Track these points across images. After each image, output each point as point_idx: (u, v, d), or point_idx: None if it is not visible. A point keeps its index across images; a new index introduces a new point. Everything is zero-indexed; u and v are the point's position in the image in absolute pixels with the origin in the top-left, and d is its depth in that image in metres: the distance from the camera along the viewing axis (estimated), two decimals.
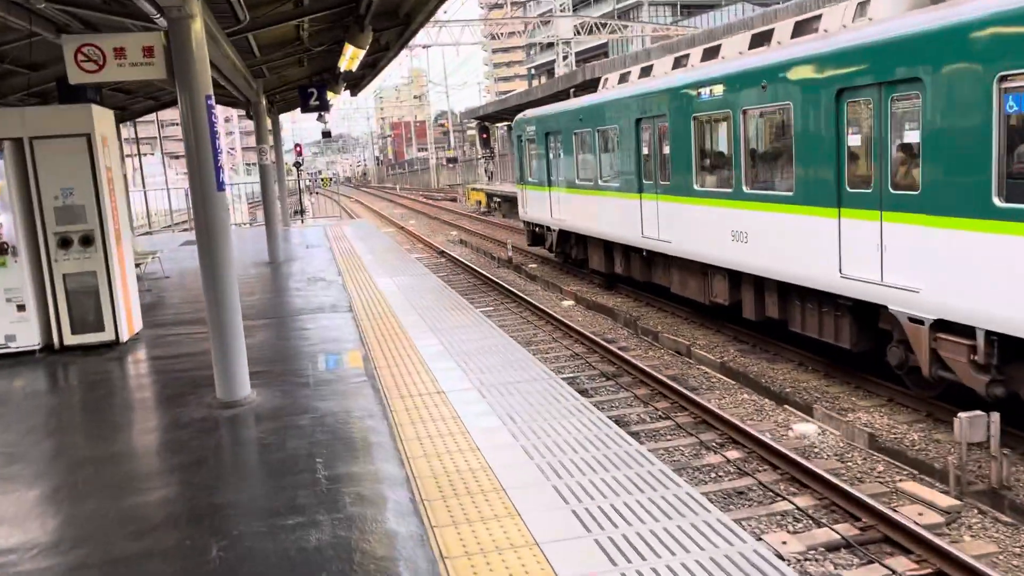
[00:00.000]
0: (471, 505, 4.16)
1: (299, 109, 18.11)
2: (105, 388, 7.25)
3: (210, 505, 4.43)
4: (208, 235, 6.11)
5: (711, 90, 11.67)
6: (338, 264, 15.32)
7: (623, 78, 16.13)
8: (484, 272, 20.73)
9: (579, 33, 42.21)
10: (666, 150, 13.24)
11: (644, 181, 14.24)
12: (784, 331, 11.38)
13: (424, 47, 40.86)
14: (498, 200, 41.42)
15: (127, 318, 8.91)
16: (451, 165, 67.80)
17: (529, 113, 20.79)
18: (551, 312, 15.27)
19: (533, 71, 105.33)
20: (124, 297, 8.84)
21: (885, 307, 8.68)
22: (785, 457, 7.87)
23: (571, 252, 19.17)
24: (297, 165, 36.45)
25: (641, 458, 4.76)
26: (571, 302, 17.02)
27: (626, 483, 4.36)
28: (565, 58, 43.22)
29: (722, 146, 11.92)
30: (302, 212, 33.32)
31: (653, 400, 10.31)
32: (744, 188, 11.06)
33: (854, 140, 8.95)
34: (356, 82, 20.79)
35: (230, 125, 48.17)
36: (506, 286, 18.40)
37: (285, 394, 6.54)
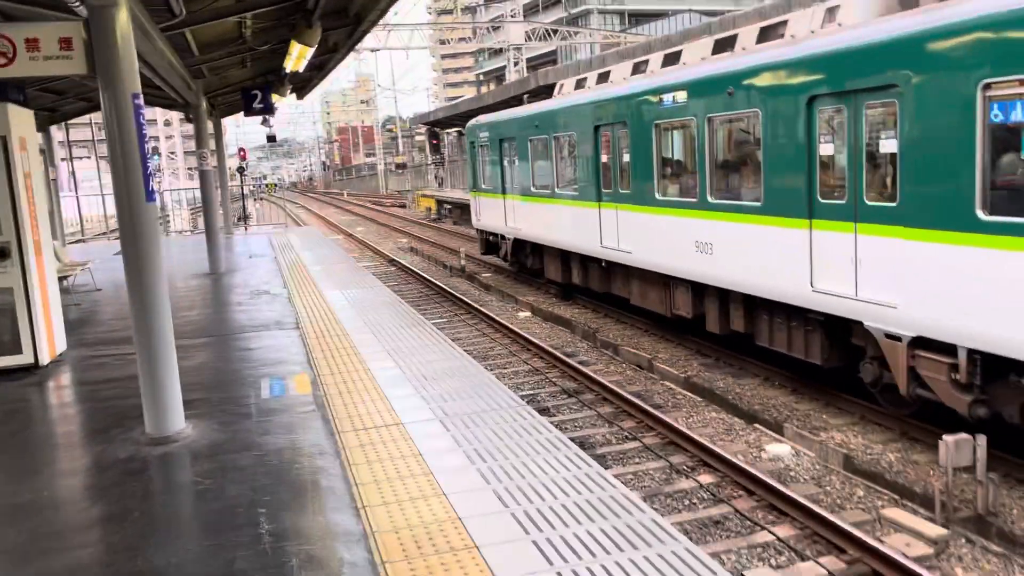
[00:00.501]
0: (440, 570, 3.60)
1: (242, 112, 17.30)
2: (19, 421, 6.48)
3: (134, 572, 3.79)
4: (135, 251, 5.42)
5: (674, 96, 11.30)
6: (284, 275, 14.55)
7: (579, 84, 15.72)
8: (436, 282, 20.13)
9: (530, 39, 41.87)
10: (626, 158, 12.78)
11: (603, 190, 13.78)
12: (749, 344, 11.05)
13: (372, 51, 40.03)
14: (448, 206, 40.83)
15: (48, 339, 8.10)
16: (400, 171, 66.91)
17: (483, 119, 20.26)
18: (507, 324, 14.76)
19: (482, 77, 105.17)
20: (45, 315, 8.03)
21: (859, 323, 8.36)
22: (761, 482, 7.47)
23: (526, 261, 18.64)
24: (240, 170, 35.31)
25: (630, 505, 4.25)
26: (527, 313, 16.54)
27: (616, 537, 3.85)
28: (516, 64, 42.79)
29: (686, 154, 11.55)
30: (246, 219, 32.26)
31: (618, 419, 9.87)
32: (709, 198, 10.67)
33: (826, 149, 8.63)
34: (303, 85, 20.01)
35: (171, 129, 46.60)
36: (460, 297, 17.84)
37: (224, 427, 5.87)
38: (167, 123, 45.83)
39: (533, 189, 16.85)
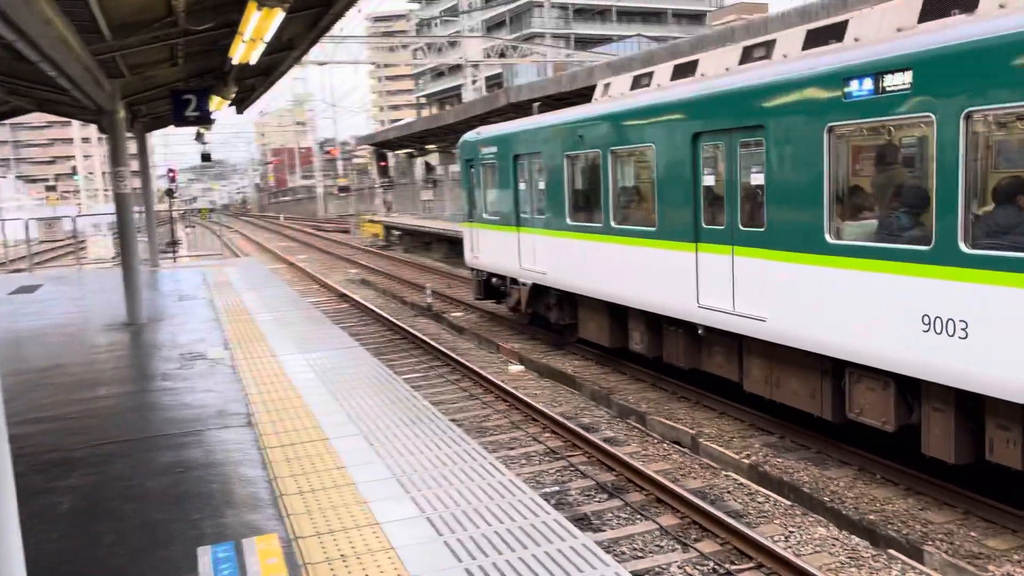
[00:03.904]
0: None
1: (173, 124, 14.26)
2: None
3: None
4: None
5: (881, 82, 7.18)
6: (224, 327, 11.51)
7: (639, 82, 11.78)
8: (400, 323, 17.33)
9: (489, 56, 39.45)
10: (755, 179, 8.84)
11: (703, 225, 9.74)
12: (815, 418, 8.56)
13: (320, 64, 37.07)
14: (398, 233, 38.02)
15: None
16: (342, 194, 63.71)
17: (486, 131, 16.16)
18: (499, 383, 12.08)
19: (423, 100, 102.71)
20: None
21: None
22: None
23: (549, 315, 14.53)
24: (170, 193, 31.87)
25: None
26: (519, 367, 13.87)
27: None
28: (474, 82, 40.30)
29: (903, 173, 7.72)
30: (175, 245, 28.80)
31: (689, 534, 7.28)
32: (962, 246, 6.61)
33: None
34: (245, 95, 17.06)
35: (90, 147, 42.59)
36: (432, 343, 15.08)
37: None
38: (85, 140, 41.77)
39: (570, 221, 12.85)
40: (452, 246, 31.73)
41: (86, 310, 14.13)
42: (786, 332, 8.54)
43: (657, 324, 11.31)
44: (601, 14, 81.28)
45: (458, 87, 71.68)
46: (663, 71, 11.32)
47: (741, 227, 9.13)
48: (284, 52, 11.65)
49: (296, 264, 32.24)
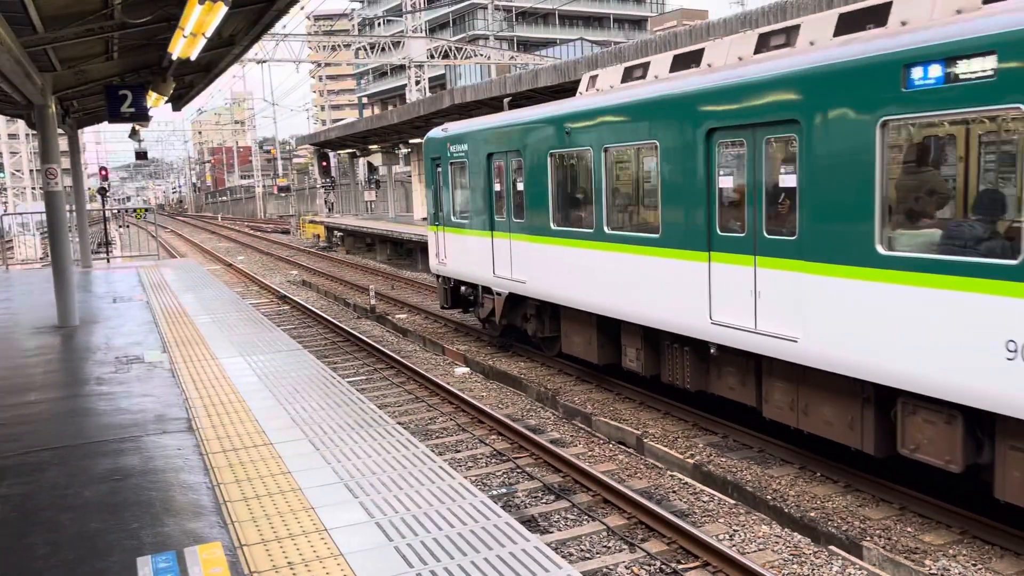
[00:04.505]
0: None
1: (107, 120, 13.81)
2: None
3: None
4: None
5: (953, 69, 6.08)
6: (161, 330, 11.17)
7: (630, 75, 10.81)
8: (343, 325, 17.12)
9: (433, 56, 39.26)
10: (785, 181, 7.75)
11: (718, 233, 8.60)
12: (752, 414, 8.70)
13: (259, 62, 36.35)
14: (340, 234, 37.58)
15: None
16: (282, 194, 62.66)
17: (455, 127, 14.94)
18: (445, 385, 12.02)
19: (365, 100, 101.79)
20: None
21: None
22: None
23: (527, 327, 13.52)
24: (102, 192, 30.90)
25: None
26: (464, 369, 13.82)
27: None
28: (418, 83, 40.07)
29: (980, 175, 6.57)
30: (108, 245, 27.92)
31: (635, 534, 7.34)
32: None
33: None
34: (183, 92, 16.63)
35: (17, 143, 41.01)
36: (376, 346, 14.93)
37: None
38: (12, 136, 40.21)
39: (555, 226, 11.72)
40: (395, 247, 31.50)
41: (14, 312, 13.58)
42: (824, 355, 7.38)
43: (655, 340, 10.29)
44: (544, 17, 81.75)
45: (401, 87, 71.24)
46: (660, 62, 10.27)
47: (766, 235, 7.97)
48: (225, 48, 11.39)
49: (235, 265, 31.61)
